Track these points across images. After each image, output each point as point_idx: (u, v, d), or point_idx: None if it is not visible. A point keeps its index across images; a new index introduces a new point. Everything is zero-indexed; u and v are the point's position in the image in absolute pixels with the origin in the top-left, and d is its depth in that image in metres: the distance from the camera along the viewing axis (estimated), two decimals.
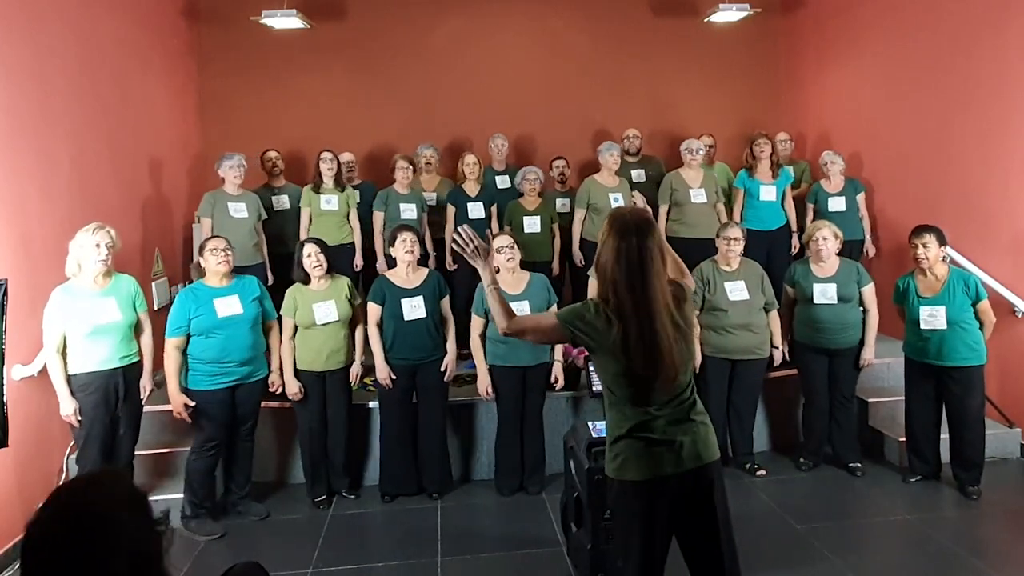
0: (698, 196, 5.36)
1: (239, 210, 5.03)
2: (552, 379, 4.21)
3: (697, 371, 2.23)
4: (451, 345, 4.17)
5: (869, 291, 4.27)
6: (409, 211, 5.28)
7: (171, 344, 3.71)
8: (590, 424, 3.37)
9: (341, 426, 4.16)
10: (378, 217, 5.30)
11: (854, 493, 4.15)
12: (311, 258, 4.02)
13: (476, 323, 4.13)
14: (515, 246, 4.11)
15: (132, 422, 3.75)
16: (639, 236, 2.13)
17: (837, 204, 5.38)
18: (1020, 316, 4.39)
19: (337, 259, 4.36)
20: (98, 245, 3.50)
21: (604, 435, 3.21)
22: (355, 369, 4.17)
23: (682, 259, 2.46)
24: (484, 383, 4.13)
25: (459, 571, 3.44)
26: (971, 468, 3.99)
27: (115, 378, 3.61)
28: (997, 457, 4.37)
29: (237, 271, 4.81)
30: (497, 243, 4.10)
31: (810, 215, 5.43)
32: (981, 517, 3.80)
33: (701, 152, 5.48)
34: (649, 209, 2.32)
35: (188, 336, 3.73)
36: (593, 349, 2.21)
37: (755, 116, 6.65)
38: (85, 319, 3.49)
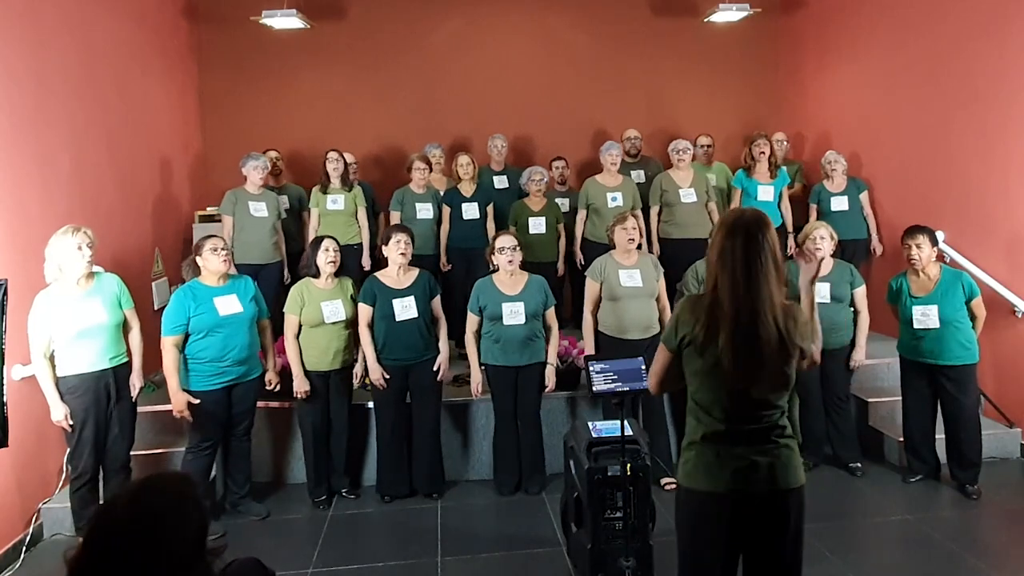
0: (688, 196, 5.35)
1: (259, 209, 5.05)
2: (545, 381, 4.15)
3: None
4: (443, 345, 4.17)
5: (861, 293, 4.26)
6: (425, 211, 5.27)
7: (169, 342, 3.67)
8: (590, 424, 3.36)
9: (343, 425, 4.17)
10: (395, 217, 5.28)
11: (854, 493, 4.14)
12: (328, 252, 4.01)
13: (471, 320, 4.13)
14: (517, 247, 4.08)
15: (125, 423, 3.71)
16: (746, 236, 2.05)
17: (840, 204, 5.40)
18: (1020, 316, 4.39)
19: (345, 259, 4.34)
20: (80, 247, 3.43)
21: (604, 435, 3.24)
22: (357, 369, 4.18)
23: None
24: (476, 381, 4.14)
25: (459, 571, 3.44)
26: (969, 467, 3.99)
27: (105, 379, 3.58)
28: (997, 457, 4.38)
29: (256, 269, 4.89)
30: (499, 243, 4.08)
31: (813, 215, 5.43)
32: (981, 517, 3.80)
33: (689, 152, 5.47)
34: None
35: (186, 335, 3.70)
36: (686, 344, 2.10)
37: (755, 116, 6.65)
38: (71, 322, 3.44)
